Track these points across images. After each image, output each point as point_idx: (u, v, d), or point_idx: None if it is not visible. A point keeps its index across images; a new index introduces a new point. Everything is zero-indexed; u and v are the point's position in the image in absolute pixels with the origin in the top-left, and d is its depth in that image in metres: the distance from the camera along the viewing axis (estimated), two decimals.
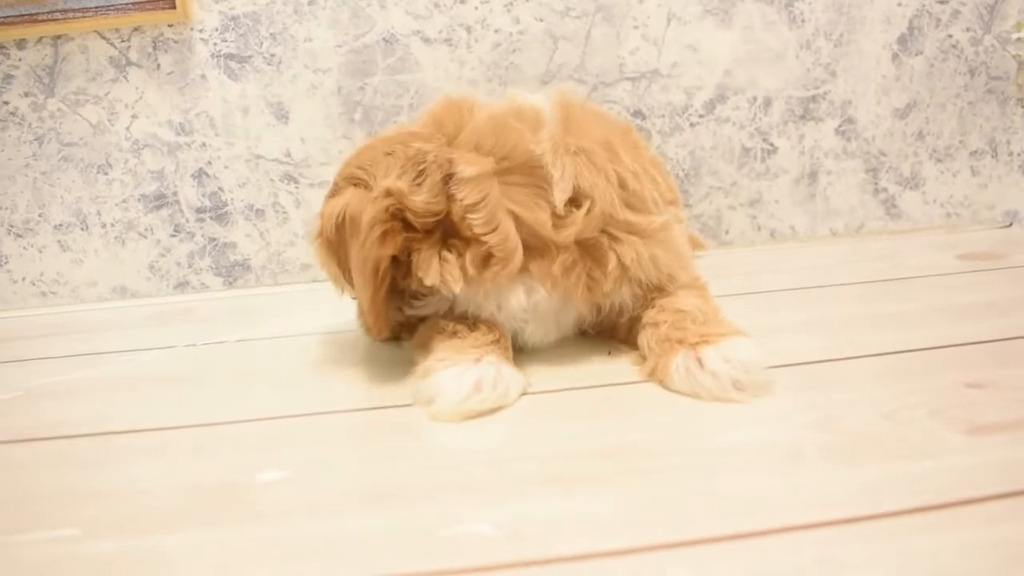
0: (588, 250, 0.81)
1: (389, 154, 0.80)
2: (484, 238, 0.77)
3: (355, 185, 0.81)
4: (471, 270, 0.78)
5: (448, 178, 0.78)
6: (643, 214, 0.84)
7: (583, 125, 0.85)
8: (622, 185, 0.83)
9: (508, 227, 0.78)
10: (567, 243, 0.80)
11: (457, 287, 0.79)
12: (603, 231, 0.82)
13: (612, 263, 0.82)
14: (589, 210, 0.80)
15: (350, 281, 0.84)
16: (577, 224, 0.79)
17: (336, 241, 0.81)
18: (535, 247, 0.80)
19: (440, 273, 0.78)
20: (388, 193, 0.77)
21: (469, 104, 0.86)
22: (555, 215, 0.79)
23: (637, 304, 0.86)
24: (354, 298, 0.92)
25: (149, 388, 0.90)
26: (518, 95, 0.90)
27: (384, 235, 0.77)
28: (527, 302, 0.82)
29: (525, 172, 0.80)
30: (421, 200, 0.77)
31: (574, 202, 0.80)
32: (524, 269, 0.80)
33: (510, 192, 0.79)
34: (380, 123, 1.36)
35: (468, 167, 0.77)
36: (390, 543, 0.53)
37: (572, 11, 1.35)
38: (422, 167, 0.78)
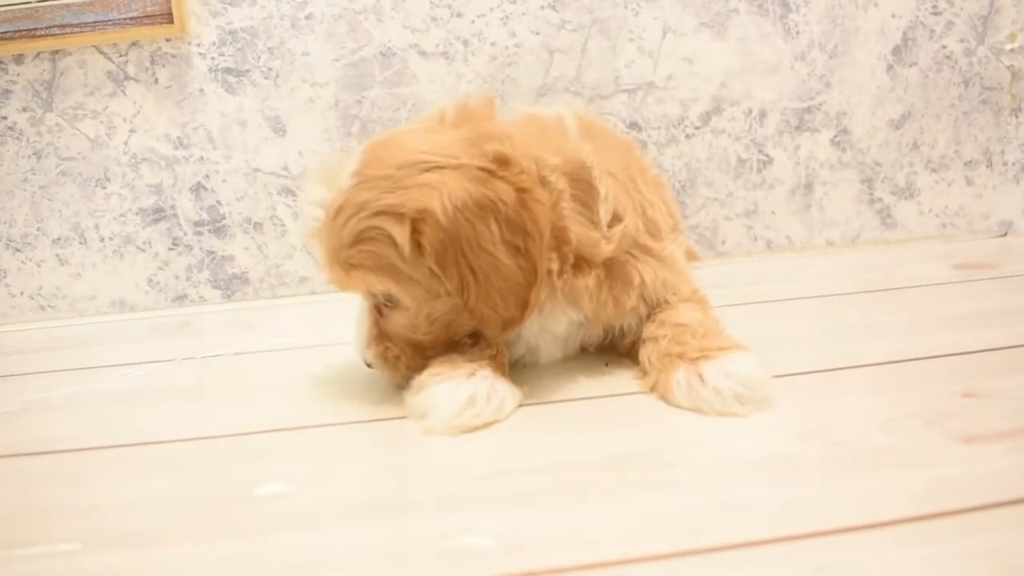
0: (612, 269, 0.82)
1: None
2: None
3: (429, 171, 0.73)
4: (565, 275, 0.78)
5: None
6: (658, 240, 0.86)
7: (600, 141, 0.86)
8: (643, 212, 0.85)
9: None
10: (600, 261, 0.80)
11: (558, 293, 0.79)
12: (627, 251, 0.83)
13: (637, 280, 0.83)
14: (624, 230, 0.81)
15: (462, 288, 0.74)
16: (613, 243, 0.80)
17: (450, 239, 0.72)
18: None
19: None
20: (535, 160, 0.76)
21: (490, 109, 0.83)
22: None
23: (640, 325, 0.86)
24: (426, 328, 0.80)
25: (147, 402, 0.90)
26: (531, 109, 0.91)
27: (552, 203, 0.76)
28: (567, 323, 0.83)
29: (575, 180, 0.80)
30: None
31: (610, 222, 0.81)
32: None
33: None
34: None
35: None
36: (389, 556, 0.53)
37: (568, 24, 1.35)
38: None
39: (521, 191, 0.73)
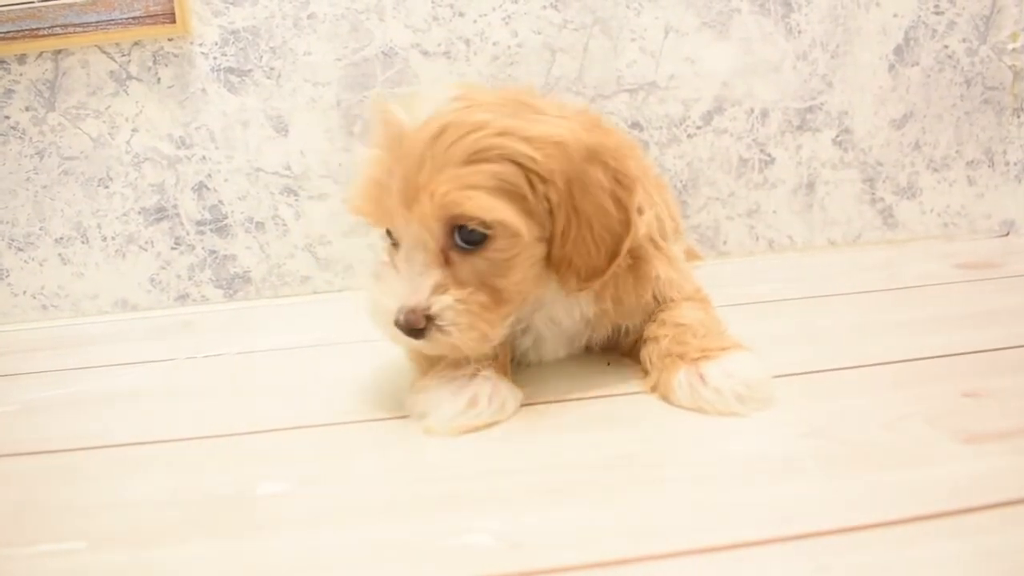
0: (633, 259, 0.81)
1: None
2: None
3: (540, 114, 0.73)
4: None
5: None
6: (664, 240, 0.86)
7: None
8: (657, 216, 0.85)
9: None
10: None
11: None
12: (645, 245, 0.82)
13: (653, 273, 0.83)
14: (649, 219, 0.80)
15: (565, 230, 0.72)
16: (642, 228, 0.79)
17: (572, 174, 0.71)
18: None
19: None
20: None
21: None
22: None
23: (644, 323, 0.86)
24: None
25: (150, 401, 0.90)
26: None
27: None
28: (579, 316, 0.83)
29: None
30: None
31: None
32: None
33: None
34: None
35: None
36: (390, 554, 0.54)
37: (570, 24, 1.35)
38: None
39: (620, 146, 0.74)
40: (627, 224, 0.74)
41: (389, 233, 0.76)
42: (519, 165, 0.69)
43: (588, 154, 0.72)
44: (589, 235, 0.73)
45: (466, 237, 0.70)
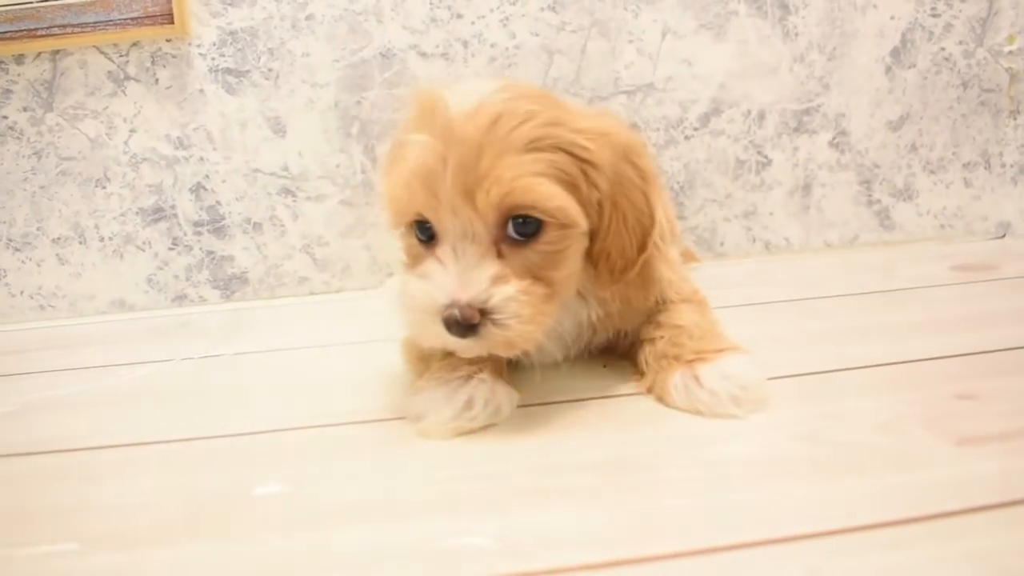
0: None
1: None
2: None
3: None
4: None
5: None
6: (671, 246, 0.88)
7: None
8: (668, 218, 0.86)
9: None
10: None
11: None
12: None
13: (658, 274, 0.83)
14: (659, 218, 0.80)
15: (609, 224, 0.73)
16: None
17: (617, 168, 0.72)
18: None
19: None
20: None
21: None
22: None
23: (641, 326, 0.86)
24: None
25: (147, 402, 0.90)
26: None
27: None
28: (585, 318, 0.83)
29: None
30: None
31: None
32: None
33: None
34: (377, 137, 1.37)
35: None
36: (386, 556, 0.54)
37: (568, 26, 1.36)
38: None
39: (643, 143, 0.75)
40: (652, 219, 0.75)
41: (420, 227, 0.73)
42: (573, 155, 0.69)
43: (625, 148, 0.73)
44: (625, 228, 0.74)
45: (519, 229, 0.69)
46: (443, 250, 0.70)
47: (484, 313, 0.67)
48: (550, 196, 0.67)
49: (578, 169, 0.69)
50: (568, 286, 0.75)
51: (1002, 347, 0.85)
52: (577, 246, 0.73)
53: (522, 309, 0.67)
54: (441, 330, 0.68)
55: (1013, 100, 1.45)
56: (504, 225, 0.69)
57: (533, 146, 0.67)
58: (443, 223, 0.69)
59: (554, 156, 0.68)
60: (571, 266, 0.73)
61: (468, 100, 0.69)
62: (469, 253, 0.69)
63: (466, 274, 0.68)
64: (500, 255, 0.69)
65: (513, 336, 0.68)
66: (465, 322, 0.66)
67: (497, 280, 0.67)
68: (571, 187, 0.69)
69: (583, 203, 0.70)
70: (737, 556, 0.51)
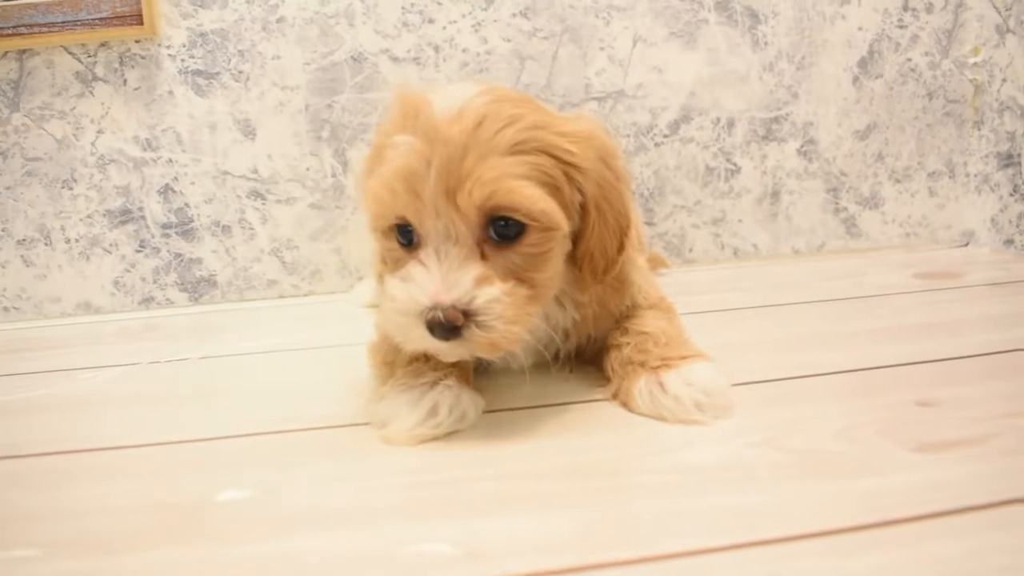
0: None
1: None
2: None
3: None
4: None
5: None
6: (637, 253, 0.89)
7: None
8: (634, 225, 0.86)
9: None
10: None
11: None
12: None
13: (631, 277, 0.84)
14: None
15: (591, 226, 0.74)
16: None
17: (600, 170, 0.74)
18: None
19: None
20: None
21: None
22: None
23: (608, 332, 0.86)
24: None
25: (112, 406, 0.89)
26: None
27: None
28: (559, 322, 0.83)
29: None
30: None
31: None
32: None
33: None
34: (348, 141, 1.36)
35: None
36: (348, 562, 0.54)
37: (539, 32, 1.36)
38: None
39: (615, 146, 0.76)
40: (628, 218, 0.77)
41: (402, 231, 0.73)
42: (556, 158, 0.70)
43: (604, 151, 0.74)
44: (606, 230, 0.75)
45: (500, 231, 0.69)
46: (426, 252, 0.69)
47: (467, 315, 0.66)
48: (532, 199, 0.67)
49: (561, 172, 0.70)
50: (551, 288, 0.75)
51: (963, 355, 0.86)
52: (559, 248, 0.73)
53: (506, 310, 0.67)
54: (424, 333, 0.67)
55: (977, 111, 1.47)
56: (487, 227, 0.69)
57: (517, 149, 0.68)
58: (426, 225, 0.69)
59: (538, 159, 0.69)
60: (554, 268, 0.73)
61: (452, 103, 0.69)
62: (452, 255, 0.68)
63: (449, 276, 0.67)
64: (483, 257, 0.69)
65: (497, 338, 0.67)
66: (448, 324, 0.66)
67: (480, 282, 0.67)
68: (554, 190, 0.70)
69: (565, 206, 0.71)
70: (699, 561, 0.51)
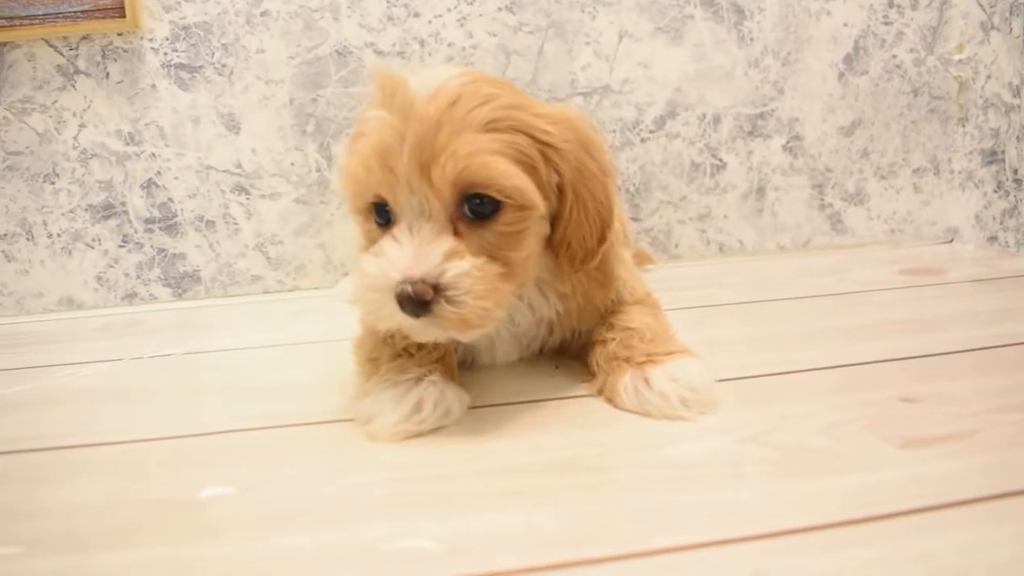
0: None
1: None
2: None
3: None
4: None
5: None
6: (623, 247, 0.89)
7: None
8: (620, 220, 0.87)
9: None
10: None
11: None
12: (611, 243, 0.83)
13: (617, 271, 0.84)
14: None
15: (569, 211, 0.74)
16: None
17: (578, 155, 0.74)
18: None
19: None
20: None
21: None
22: None
23: (594, 327, 0.86)
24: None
25: (94, 402, 0.89)
26: None
27: None
28: (543, 314, 0.83)
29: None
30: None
31: None
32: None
33: None
34: (332, 135, 1.36)
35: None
36: (332, 559, 0.53)
37: (525, 27, 1.36)
38: None
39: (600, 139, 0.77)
40: (611, 211, 0.77)
41: (379, 211, 0.72)
42: (533, 138, 0.70)
43: (586, 141, 0.74)
44: (585, 218, 0.75)
45: (475, 208, 0.69)
46: (399, 228, 0.69)
47: (437, 290, 0.65)
48: (506, 174, 0.67)
49: (538, 151, 0.70)
50: (525, 268, 0.74)
51: (947, 351, 0.87)
52: (535, 228, 0.73)
53: (476, 285, 0.66)
54: (395, 309, 0.67)
55: (962, 108, 1.48)
56: (461, 204, 0.69)
57: (492, 126, 0.68)
58: (400, 201, 0.69)
59: (513, 137, 0.68)
60: (529, 248, 0.73)
61: (430, 82, 0.69)
62: (424, 231, 0.68)
63: (420, 250, 0.67)
64: (457, 234, 0.69)
65: (467, 313, 0.66)
66: (417, 298, 0.65)
67: (451, 256, 0.67)
68: (530, 169, 0.70)
69: (542, 186, 0.71)
70: (684, 557, 0.51)
